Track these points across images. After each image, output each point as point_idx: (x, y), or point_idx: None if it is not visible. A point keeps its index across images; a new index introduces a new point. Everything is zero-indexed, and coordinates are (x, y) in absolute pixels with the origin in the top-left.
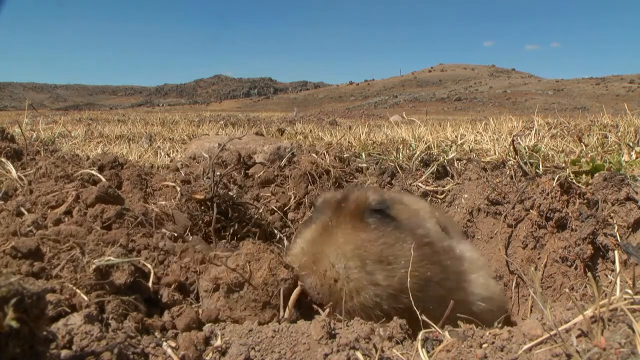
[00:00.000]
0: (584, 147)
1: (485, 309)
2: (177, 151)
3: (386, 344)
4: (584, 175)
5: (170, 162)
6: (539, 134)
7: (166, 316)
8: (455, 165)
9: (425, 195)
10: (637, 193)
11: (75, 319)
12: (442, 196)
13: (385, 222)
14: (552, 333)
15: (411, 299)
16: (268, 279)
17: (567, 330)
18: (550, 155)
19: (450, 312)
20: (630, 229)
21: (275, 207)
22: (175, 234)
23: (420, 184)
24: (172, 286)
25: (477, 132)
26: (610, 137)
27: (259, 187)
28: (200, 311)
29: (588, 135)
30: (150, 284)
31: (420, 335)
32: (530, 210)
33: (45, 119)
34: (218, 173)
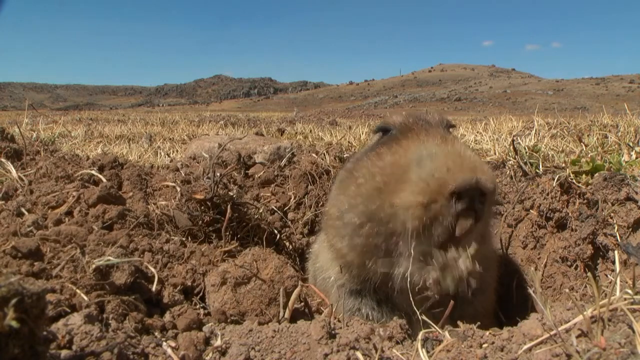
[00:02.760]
0: (584, 147)
1: None
2: (177, 151)
3: (386, 344)
4: (584, 175)
5: (170, 162)
6: (539, 134)
7: (167, 316)
8: None
9: None
10: (637, 193)
11: (75, 319)
12: None
13: None
14: (552, 333)
15: None
16: (274, 276)
17: (567, 330)
18: (550, 155)
19: (449, 311)
20: (630, 229)
21: (275, 207)
22: (182, 238)
23: None
24: (177, 287)
25: (477, 132)
26: (610, 137)
27: (259, 187)
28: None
29: (588, 135)
30: (154, 285)
31: (420, 335)
32: (530, 210)
33: (45, 119)
34: (218, 173)
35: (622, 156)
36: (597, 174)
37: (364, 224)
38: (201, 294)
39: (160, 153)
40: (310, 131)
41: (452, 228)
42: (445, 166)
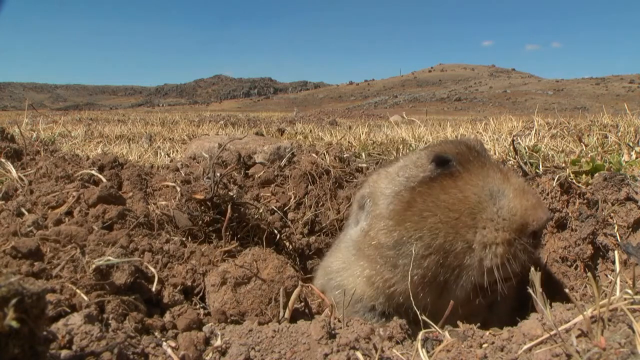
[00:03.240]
0: (584, 147)
1: None
2: (177, 151)
3: (386, 344)
4: (584, 175)
5: (170, 162)
6: (539, 134)
7: (167, 316)
8: None
9: None
10: (637, 193)
11: (75, 319)
12: None
13: None
14: (552, 333)
15: None
16: (274, 276)
17: (567, 330)
18: (550, 155)
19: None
20: (630, 229)
21: (275, 207)
22: (182, 238)
23: None
24: (177, 287)
25: (477, 132)
26: (610, 137)
27: (259, 187)
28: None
29: (588, 135)
30: (154, 285)
31: (420, 335)
32: None
33: (45, 119)
34: (218, 173)
35: (622, 156)
36: (597, 174)
37: (427, 257)
38: (201, 294)
39: (160, 153)
40: (310, 131)
41: (525, 263)
42: (522, 205)
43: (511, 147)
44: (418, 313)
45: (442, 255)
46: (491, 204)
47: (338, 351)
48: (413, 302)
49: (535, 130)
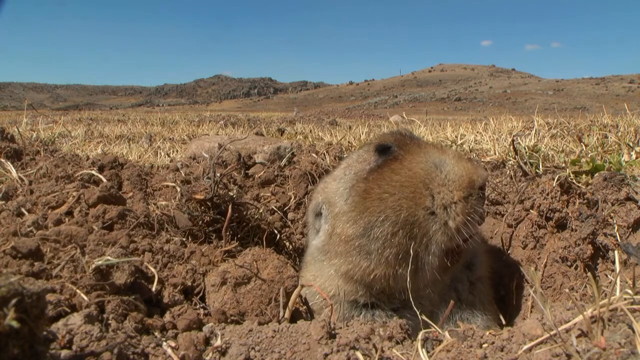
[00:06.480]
0: (584, 147)
1: None
2: (177, 151)
3: (386, 344)
4: (584, 175)
5: (170, 162)
6: (539, 134)
7: (167, 316)
8: None
9: None
10: (637, 193)
11: (75, 319)
12: None
13: None
14: (552, 333)
15: None
16: (274, 276)
17: (567, 330)
18: (550, 155)
19: (449, 311)
20: (630, 229)
21: (275, 207)
22: (182, 238)
23: None
24: (177, 287)
25: (477, 132)
26: (610, 137)
27: (259, 187)
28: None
29: (588, 135)
30: (154, 285)
31: (420, 335)
32: (530, 210)
33: (45, 119)
34: (218, 173)
35: (622, 156)
36: (597, 174)
37: (396, 233)
38: (201, 294)
39: (160, 153)
40: (310, 131)
41: (484, 214)
42: (464, 167)
43: (511, 147)
44: (418, 313)
45: (408, 228)
46: (438, 172)
47: (338, 351)
48: (391, 281)
49: (535, 130)
